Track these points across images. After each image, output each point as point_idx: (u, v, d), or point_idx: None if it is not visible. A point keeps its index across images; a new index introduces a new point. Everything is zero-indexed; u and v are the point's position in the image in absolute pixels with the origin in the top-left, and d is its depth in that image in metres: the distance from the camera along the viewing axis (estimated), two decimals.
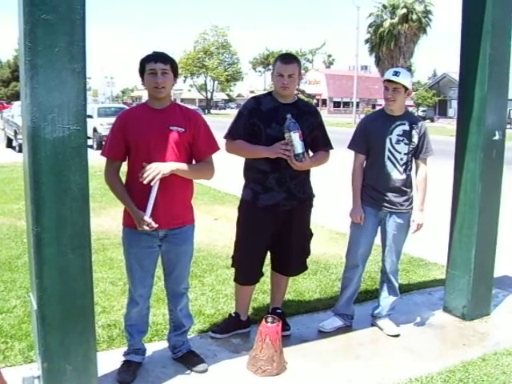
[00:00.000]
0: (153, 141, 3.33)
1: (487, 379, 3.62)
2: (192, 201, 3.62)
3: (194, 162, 3.52)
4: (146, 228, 3.29)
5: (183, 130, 3.38)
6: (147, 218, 3.27)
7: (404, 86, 4.06)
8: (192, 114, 3.55)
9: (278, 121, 3.81)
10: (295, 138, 3.71)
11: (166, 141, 3.35)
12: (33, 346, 3.72)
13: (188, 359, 3.72)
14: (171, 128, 3.36)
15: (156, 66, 3.30)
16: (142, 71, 3.38)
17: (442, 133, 29.55)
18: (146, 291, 3.57)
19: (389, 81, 4.09)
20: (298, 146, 3.73)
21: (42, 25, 2.60)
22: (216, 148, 3.58)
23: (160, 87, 3.31)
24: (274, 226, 3.98)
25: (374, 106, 60.22)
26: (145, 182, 3.23)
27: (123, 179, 3.44)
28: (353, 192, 4.27)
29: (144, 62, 3.35)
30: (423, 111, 56.95)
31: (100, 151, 3.49)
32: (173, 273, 3.60)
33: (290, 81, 3.85)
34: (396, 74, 4.08)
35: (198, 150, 3.50)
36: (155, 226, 3.29)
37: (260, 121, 3.87)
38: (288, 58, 3.93)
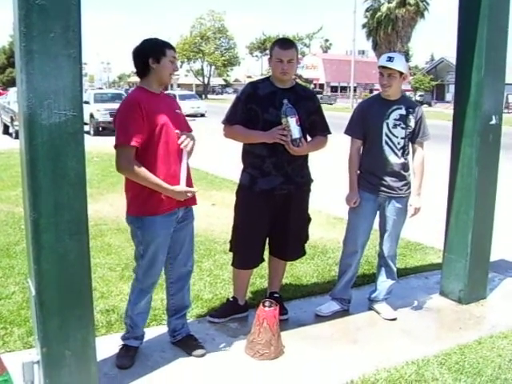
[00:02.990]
0: (170, 125, 3.37)
1: (483, 362, 3.65)
2: None
3: None
4: (189, 195, 3.40)
5: (181, 111, 3.55)
6: (185, 187, 3.37)
7: (399, 71, 4.06)
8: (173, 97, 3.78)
9: (275, 106, 3.81)
10: (292, 122, 3.71)
11: (177, 124, 3.42)
12: (32, 331, 3.74)
13: (187, 343, 3.74)
14: (177, 111, 3.50)
15: (175, 54, 3.44)
16: (160, 53, 3.33)
17: (439, 117, 29.50)
18: (158, 278, 3.61)
19: (383, 67, 4.08)
20: (295, 131, 3.73)
21: (36, 10, 2.58)
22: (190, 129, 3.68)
23: (174, 74, 3.46)
24: (272, 210, 3.99)
25: (371, 91, 60.00)
26: (188, 148, 3.37)
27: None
28: (349, 177, 4.27)
29: (165, 47, 3.36)
30: (421, 96, 56.73)
31: (119, 140, 3.26)
32: (180, 254, 3.61)
33: (290, 66, 3.85)
34: (390, 59, 4.07)
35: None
36: (196, 190, 3.43)
37: (257, 106, 3.87)
38: (287, 44, 3.92)
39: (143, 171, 3.25)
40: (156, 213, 3.36)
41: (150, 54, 3.34)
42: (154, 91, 3.42)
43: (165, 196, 3.34)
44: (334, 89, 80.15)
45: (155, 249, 3.43)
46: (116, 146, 3.27)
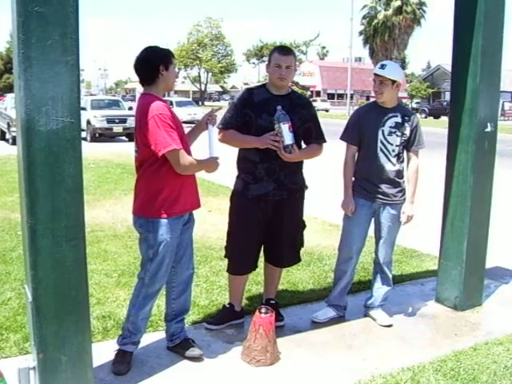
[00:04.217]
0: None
1: (478, 368, 3.66)
2: None
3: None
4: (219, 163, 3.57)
5: None
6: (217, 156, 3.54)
7: (391, 79, 4.08)
8: None
9: (268, 112, 3.84)
10: (284, 129, 3.74)
11: (180, 126, 3.51)
12: (28, 337, 3.74)
13: (184, 345, 3.75)
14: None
15: (176, 61, 3.58)
16: (168, 61, 3.44)
17: (435, 124, 29.58)
18: (164, 283, 3.63)
19: (376, 74, 4.12)
20: (288, 137, 3.76)
21: (35, 17, 2.60)
22: None
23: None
24: (265, 216, 4.01)
25: (368, 98, 60.22)
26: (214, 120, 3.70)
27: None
28: (344, 183, 4.29)
29: (171, 55, 3.49)
30: (417, 103, 56.94)
31: (169, 147, 3.28)
32: (183, 256, 3.65)
33: (287, 72, 3.89)
34: (382, 67, 4.11)
35: None
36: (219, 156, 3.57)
37: (252, 111, 3.91)
38: (286, 50, 3.98)
39: (195, 159, 3.44)
40: (170, 215, 3.41)
41: (160, 61, 3.40)
42: (161, 97, 3.48)
43: (178, 198, 3.44)
44: (330, 96, 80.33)
45: (165, 252, 3.46)
46: (169, 153, 3.28)
